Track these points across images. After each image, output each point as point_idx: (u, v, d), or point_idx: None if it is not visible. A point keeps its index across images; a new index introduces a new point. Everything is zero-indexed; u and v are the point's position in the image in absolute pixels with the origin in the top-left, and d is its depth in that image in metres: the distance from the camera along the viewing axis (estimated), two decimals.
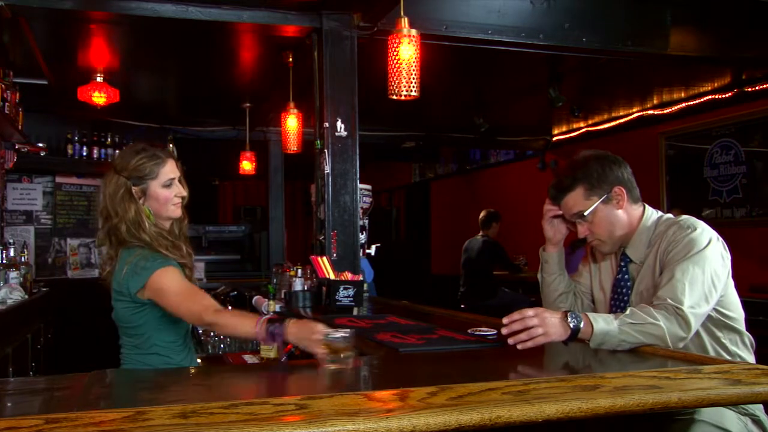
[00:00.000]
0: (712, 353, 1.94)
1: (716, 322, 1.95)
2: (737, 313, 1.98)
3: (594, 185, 2.06)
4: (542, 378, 1.41)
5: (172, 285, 2.06)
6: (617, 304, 2.13)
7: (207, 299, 2.08)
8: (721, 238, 1.98)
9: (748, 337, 2.00)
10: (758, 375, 1.41)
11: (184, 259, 2.16)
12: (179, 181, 2.19)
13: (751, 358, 1.99)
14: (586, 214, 2.06)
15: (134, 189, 2.11)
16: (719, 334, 1.96)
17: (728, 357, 1.94)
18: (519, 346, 1.79)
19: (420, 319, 2.63)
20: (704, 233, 1.94)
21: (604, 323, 1.80)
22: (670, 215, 2.12)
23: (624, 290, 2.12)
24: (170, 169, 2.16)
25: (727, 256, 1.96)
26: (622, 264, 2.14)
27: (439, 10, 3.66)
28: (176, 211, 2.19)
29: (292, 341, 1.85)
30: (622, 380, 1.39)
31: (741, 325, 1.99)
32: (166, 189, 2.14)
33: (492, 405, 1.17)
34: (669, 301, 1.83)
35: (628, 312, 1.83)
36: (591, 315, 1.83)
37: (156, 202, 2.13)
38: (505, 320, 1.83)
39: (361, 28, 3.64)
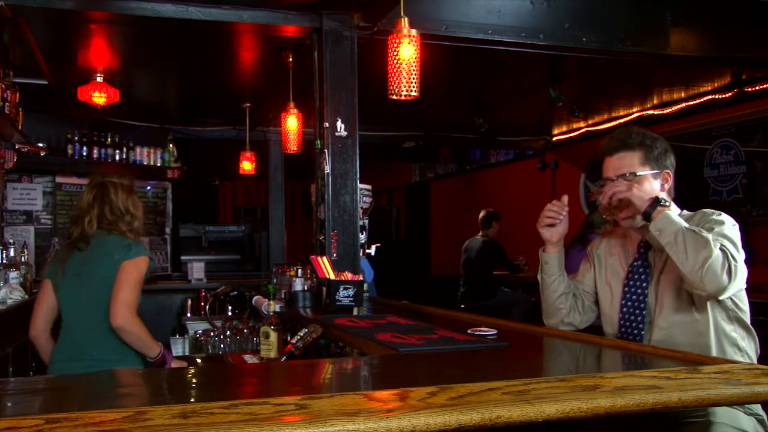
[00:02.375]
0: (719, 347, 1.95)
1: (730, 313, 1.97)
2: (747, 307, 2.01)
3: (652, 159, 2.12)
4: (542, 378, 1.41)
5: None
6: (632, 290, 2.13)
7: None
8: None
9: (754, 335, 2.01)
10: (758, 375, 1.41)
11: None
12: None
13: (755, 353, 2.00)
14: (639, 174, 2.10)
15: None
16: (731, 327, 1.97)
17: (738, 350, 1.97)
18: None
19: (420, 319, 2.63)
20: (730, 218, 2.01)
21: (675, 216, 1.93)
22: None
23: (643, 276, 2.12)
24: None
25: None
26: (641, 250, 2.15)
27: (439, 10, 3.66)
28: None
29: None
30: (622, 380, 1.39)
31: (748, 320, 2.01)
32: None
33: (492, 405, 1.17)
34: (728, 249, 1.83)
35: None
36: (673, 207, 1.97)
37: None
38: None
39: (361, 28, 3.64)
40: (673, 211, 1.98)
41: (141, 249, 2.72)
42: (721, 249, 1.82)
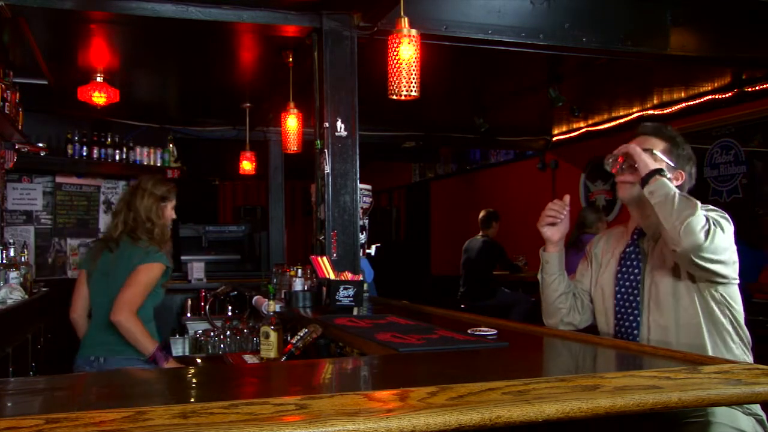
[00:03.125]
0: (713, 343, 1.96)
1: (723, 308, 1.97)
2: (740, 306, 2.01)
3: (674, 154, 2.15)
4: (542, 378, 1.42)
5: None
6: (626, 277, 2.14)
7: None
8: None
9: (746, 334, 2.02)
10: (758, 375, 1.41)
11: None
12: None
13: (749, 354, 2.01)
14: (655, 152, 2.12)
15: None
16: (726, 321, 1.97)
17: (733, 345, 1.98)
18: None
19: (420, 319, 2.63)
20: (721, 211, 2.02)
21: (671, 184, 1.97)
22: None
23: (635, 263, 2.13)
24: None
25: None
26: (635, 237, 2.16)
27: (439, 10, 3.66)
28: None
29: None
30: (622, 380, 1.39)
31: (742, 319, 2.01)
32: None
33: (492, 405, 1.17)
34: (711, 217, 1.88)
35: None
36: (668, 178, 2.00)
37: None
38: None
39: (361, 28, 3.64)
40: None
41: (158, 255, 2.91)
42: (705, 216, 1.87)
